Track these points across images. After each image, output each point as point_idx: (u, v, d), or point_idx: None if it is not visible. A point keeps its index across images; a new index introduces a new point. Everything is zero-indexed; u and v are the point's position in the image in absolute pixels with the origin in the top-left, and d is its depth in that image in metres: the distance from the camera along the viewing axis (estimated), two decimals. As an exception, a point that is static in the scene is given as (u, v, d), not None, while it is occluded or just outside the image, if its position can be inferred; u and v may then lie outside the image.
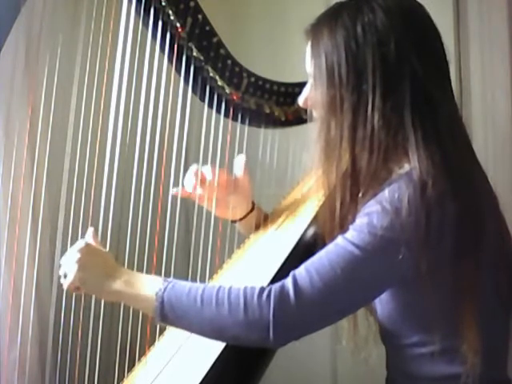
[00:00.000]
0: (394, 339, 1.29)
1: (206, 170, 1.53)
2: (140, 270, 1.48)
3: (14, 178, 1.55)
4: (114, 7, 1.40)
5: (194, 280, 1.45)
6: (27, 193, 1.59)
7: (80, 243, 1.29)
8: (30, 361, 1.60)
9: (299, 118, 1.51)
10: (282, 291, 1.15)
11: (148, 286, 1.22)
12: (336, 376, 2.20)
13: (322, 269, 1.15)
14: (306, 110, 1.35)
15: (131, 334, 1.47)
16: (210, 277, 1.52)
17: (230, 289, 1.18)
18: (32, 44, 1.59)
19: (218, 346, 1.27)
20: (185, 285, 1.21)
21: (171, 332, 1.43)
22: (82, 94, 1.45)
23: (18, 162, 1.55)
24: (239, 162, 1.55)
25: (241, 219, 1.60)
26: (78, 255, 1.26)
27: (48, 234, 1.70)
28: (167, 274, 1.46)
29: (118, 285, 1.23)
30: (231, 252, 1.58)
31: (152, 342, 1.43)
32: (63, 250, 1.45)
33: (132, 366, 1.44)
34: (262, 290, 1.16)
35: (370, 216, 1.17)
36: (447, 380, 1.24)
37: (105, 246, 1.40)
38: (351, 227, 1.19)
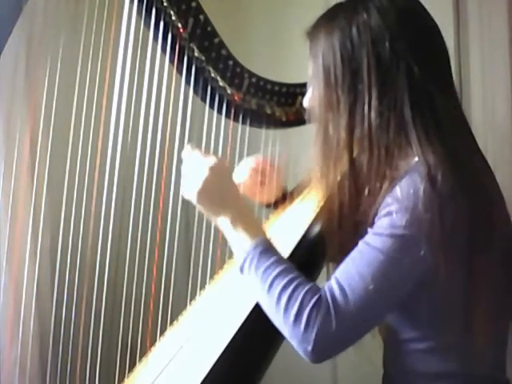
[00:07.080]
0: (392, 333, 1.30)
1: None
2: (141, 272, 1.49)
3: (15, 177, 1.55)
4: (116, 8, 1.40)
5: (194, 285, 1.46)
6: (28, 192, 1.60)
7: (211, 160, 1.28)
8: (30, 360, 1.61)
9: (300, 118, 1.50)
10: (328, 311, 1.14)
11: (249, 234, 1.24)
12: (336, 376, 2.20)
13: (353, 282, 1.15)
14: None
15: (132, 332, 1.47)
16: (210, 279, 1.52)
17: (297, 285, 1.17)
18: (33, 44, 1.59)
19: (219, 347, 1.28)
20: (275, 254, 1.22)
21: (172, 332, 1.44)
22: (83, 94, 1.46)
23: (19, 161, 1.56)
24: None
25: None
26: (206, 173, 1.26)
27: (49, 232, 1.70)
28: (167, 278, 1.46)
29: (226, 218, 1.25)
30: (231, 257, 1.57)
31: (153, 342, 1.43)
32: (64, 249, 1.46)
33: (133, 365, 1.44)
34: (316, 302, 1.15)
35: (390, 216, 1.17)
36: (441, 377, 1.25)
37: (106, 245, 1.41)
38: (371, 231, 1.19)
